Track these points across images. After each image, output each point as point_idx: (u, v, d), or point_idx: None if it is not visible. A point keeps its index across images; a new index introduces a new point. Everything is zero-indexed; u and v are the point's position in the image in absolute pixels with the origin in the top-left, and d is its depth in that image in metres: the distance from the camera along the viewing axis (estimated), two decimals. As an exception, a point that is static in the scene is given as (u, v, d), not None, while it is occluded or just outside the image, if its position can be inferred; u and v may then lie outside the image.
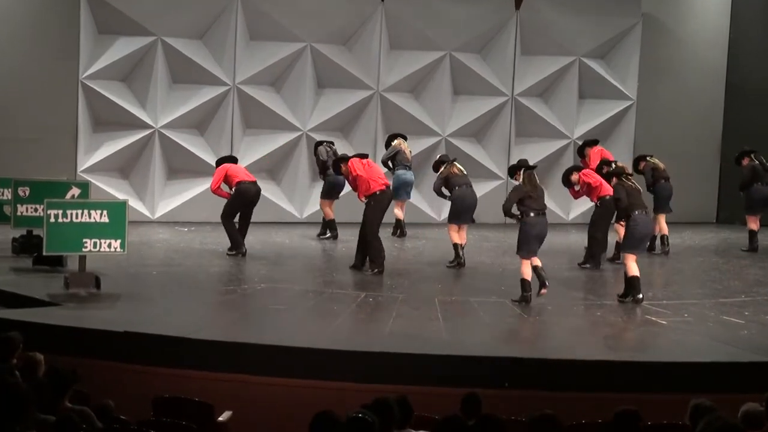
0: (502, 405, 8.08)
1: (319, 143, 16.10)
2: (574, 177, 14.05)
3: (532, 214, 11.50)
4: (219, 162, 14.56)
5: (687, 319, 11.14)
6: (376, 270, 12.97)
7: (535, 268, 11.44)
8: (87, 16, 16.70)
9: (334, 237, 15.86)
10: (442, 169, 14.02)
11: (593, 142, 16.15)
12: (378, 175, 13.54)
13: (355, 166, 13.41)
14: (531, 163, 12.72)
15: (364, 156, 14.08)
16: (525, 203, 11.56)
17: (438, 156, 15.00)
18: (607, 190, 13.72)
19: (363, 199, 13.28)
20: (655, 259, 14.94)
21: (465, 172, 13.97)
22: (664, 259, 15.10)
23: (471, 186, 13.88)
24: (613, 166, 13.40)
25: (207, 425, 7.46)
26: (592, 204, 14.38)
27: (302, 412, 8.47)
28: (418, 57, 18.35)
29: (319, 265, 14.43)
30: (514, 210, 11.64)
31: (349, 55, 18.06)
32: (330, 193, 15.91)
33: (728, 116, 19.96)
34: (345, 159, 13.74)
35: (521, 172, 11.92)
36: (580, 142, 17.20)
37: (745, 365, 9.39)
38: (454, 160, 14.25)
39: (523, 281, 11.49)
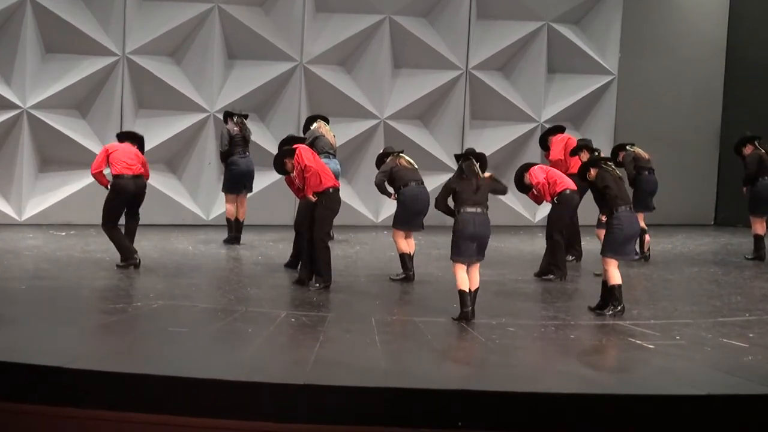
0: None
1: (229, 115, 15.89)
2: (527, 178, 14.07)
3: (468, 210, 11.50)
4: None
5: (679, 342, 11.22)
6: (324, 285, 13.08)
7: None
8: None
9: (236, 240, 15.86)
10: (386, 161, 13.99)
11: (557, 129, 16.01)
12: (327, 168, 13.51)
13: (305, 155, 13.25)
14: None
15: (299, 140, 14.12)
16: (459, 197, 11.58)
17: (382, 149, 14.96)
18: (564, 184, 13.84)
19: (312, 196, 13.22)
20: (638, 268, 15.03)
21: (416, 166, 13.96)
22: (649, 269, 15.21)
23: (423, 183, 13.89)
24: (595, 153, 13.50)
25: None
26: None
27: (206, 459, 8.48)
28: (350, 21, 18.35)
29: (229, 277, 14.37)
30: (449, 204, 11.73)
31: (265, 18, 18.02)
32: (234, 186, 15.83)
33: (729, 97, 20.18)
34: (290, 153, 13.49)
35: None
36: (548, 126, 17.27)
37: (748, 398, 9.48)
38: (401, 151, 14.24)
39: (461, 293, 11.53)
